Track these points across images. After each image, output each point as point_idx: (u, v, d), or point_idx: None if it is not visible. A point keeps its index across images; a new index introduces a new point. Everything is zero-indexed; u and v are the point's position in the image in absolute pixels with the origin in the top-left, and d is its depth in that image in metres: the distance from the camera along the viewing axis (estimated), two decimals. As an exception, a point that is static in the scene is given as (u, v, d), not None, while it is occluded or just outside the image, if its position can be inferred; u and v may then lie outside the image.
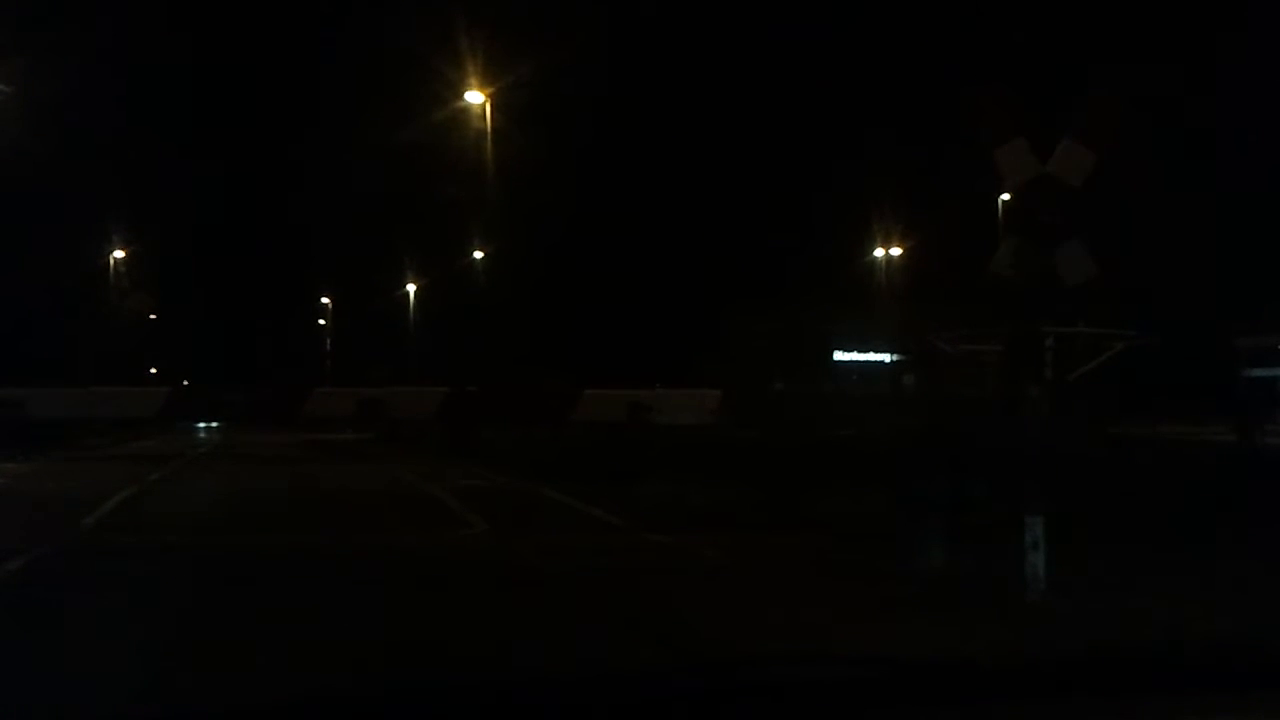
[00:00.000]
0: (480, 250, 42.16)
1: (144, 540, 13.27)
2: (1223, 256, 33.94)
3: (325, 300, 67.39)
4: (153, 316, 60.93)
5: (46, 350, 38.50)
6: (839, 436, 23.58)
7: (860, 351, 45.24)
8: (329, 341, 66.38)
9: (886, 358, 41.91)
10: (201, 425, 43.39)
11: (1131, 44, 25.65)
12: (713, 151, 43.48)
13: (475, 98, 32.88)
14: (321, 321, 68.58)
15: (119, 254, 51.98)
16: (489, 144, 32.83)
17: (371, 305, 56.75)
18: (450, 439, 30.05)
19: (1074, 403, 14.97)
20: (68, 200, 44.55)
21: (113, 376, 37.60)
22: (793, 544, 12.27)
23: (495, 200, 35.44)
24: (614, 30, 35.16)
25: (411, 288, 55.04)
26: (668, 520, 13.84)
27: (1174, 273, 32.31)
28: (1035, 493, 9.14)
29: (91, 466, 24.75)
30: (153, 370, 58.70)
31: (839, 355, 45.00)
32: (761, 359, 36.92)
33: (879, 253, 48.28)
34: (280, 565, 11.32)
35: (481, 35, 31.89)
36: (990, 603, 8.78)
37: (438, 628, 8.32)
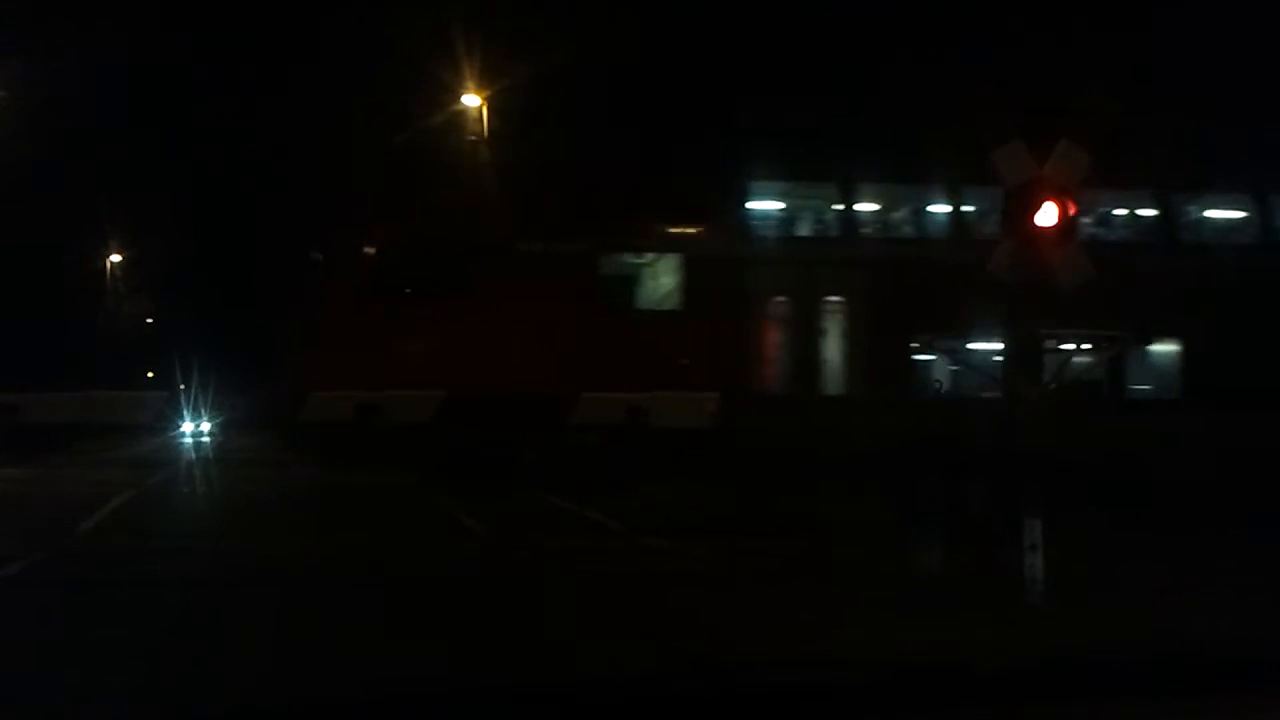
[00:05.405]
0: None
1: (141, 544, 13.25)
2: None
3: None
4: (149, 321, 60.93)
5: (43, 354, 38.42)
6: (837, 439, 23.52)
7: (858, 354, 45.09)
8: (326, 345, 66.20)
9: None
10: (199, 429, 43.32)
11: (1133, 44, 25.67)
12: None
13: (471, 100, 32.93)
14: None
15: (116, 258, 51.98)
16: (485, 147, 32.82)
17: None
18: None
19: (1071, 403, 14.95)
20: (65, 204, 44.49)
21: (110, 381, 37.52)
22: (791, 546, 12.26)
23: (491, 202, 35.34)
24: (610, 31, 35.15)
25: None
26: (666, 524, 13.84)
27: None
28: (1034, 495, 9.14)
29: (88, 471, 24.69)
30: (150, 375, 58.59)
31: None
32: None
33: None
34: (278, 569, 11.31)
35: (478, 37, 31.89)
36: (989, 605, 8.78)
37: (438, 630, 8.32)
